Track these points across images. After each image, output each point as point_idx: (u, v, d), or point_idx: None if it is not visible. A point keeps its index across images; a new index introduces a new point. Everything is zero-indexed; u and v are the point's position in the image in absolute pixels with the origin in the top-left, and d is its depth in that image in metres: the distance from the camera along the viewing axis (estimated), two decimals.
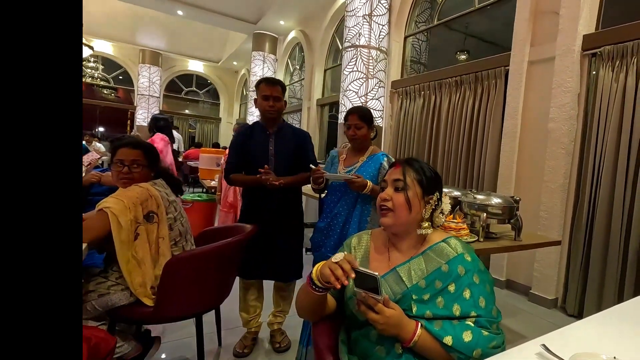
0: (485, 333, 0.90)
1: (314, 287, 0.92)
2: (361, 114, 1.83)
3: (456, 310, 0.91)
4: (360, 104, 4.23)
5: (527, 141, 3.06)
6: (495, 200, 1.99)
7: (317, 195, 2.44)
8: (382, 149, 2.99)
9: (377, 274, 0.84)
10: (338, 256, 0.88)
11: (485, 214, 1.92)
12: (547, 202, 2.83)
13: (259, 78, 7.88)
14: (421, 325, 0.90)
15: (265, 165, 1.83)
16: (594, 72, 2.66)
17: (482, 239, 1.90)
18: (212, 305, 1.79)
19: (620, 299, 2.41)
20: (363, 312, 0.90)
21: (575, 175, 2.75)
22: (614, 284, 2.43)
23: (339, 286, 0.85)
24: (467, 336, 0.88)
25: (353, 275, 0.85)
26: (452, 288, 0.93)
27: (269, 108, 1.91)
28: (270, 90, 1.90)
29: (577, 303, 2.63)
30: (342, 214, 1.85)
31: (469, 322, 0.91)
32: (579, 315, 2.62)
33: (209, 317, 1.74)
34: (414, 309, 0.93)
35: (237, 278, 1.99)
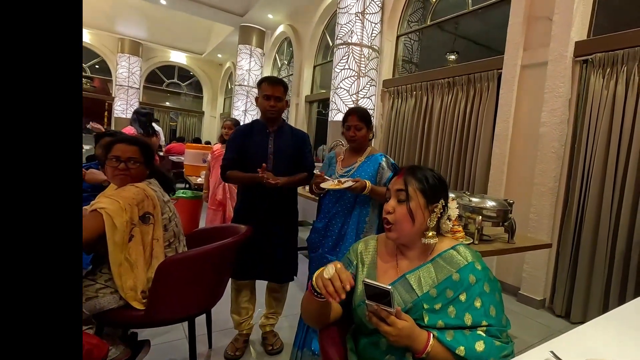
0: (497, 343, 0.90)
1: (315, 294, 0.90)
2: (361, 115, 1.83)
3: (468, 319, 0.91)
4: (352, 102, 4.20)
5: (518, 144, 3.10)
6: (490, 203, 2.00)
7: (311, 195, 2.41)
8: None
9: (390, 288, 0.83)
10: (329, 270, 0.86)
11: (480, 216, 1.93)
12: (537, 205, 2.88)
13: (245, 72, 7.75)
14: (433, 335, 0.89)
15: (263, 164, 1.79)
16: (585, 79, 2.71)
17: (477, 242, 1.90)
18: (206, 308, 1.74)
19: (606, 299, 2.49)
20: (375, 324, 0.88)
21: (565, 178, 2.81)
22: (601, 285, 2.50)
23: (333, 300, 0.85)
24: (480, 346, 0.88)
25: (343, 296, 0.84)
26: (463, 297, 0.93)
27: (270, 108, 1.89)
28: (272, 90, 1.88)
29: (564, 304, 2.69)
30: (340, 214, 1.82)
31: (480, 332, 0.91)
32: (567, 316, 2.69)
33: (199, 319, 1.70)
34: (426, 319, 0.92)
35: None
